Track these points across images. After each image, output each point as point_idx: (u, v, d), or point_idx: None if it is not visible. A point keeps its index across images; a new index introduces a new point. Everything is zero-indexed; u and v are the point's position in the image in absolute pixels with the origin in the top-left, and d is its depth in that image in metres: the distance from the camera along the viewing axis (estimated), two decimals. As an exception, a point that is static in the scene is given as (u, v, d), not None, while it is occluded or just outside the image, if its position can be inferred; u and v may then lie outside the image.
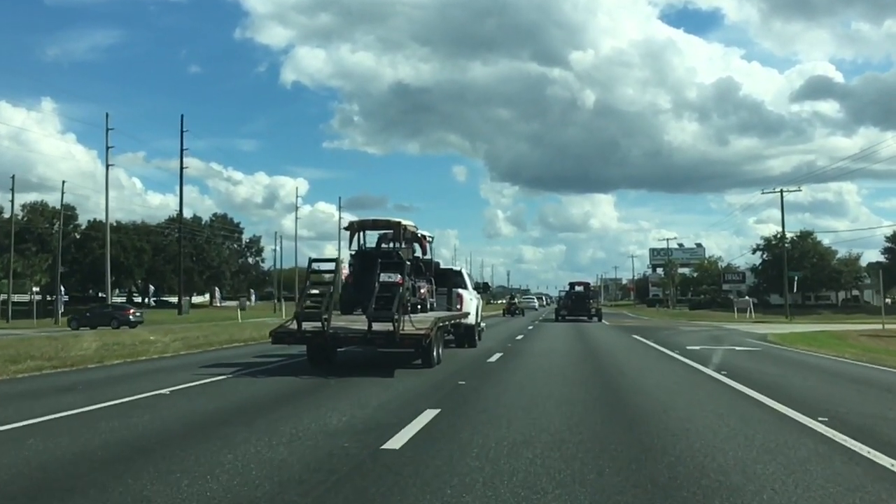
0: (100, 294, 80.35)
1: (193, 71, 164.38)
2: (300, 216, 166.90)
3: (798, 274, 53.24)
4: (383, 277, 13.08)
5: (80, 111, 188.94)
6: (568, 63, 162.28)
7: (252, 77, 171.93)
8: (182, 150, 65.33)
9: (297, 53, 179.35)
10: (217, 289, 72.61)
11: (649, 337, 24.43)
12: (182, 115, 65.36)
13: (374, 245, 15.82)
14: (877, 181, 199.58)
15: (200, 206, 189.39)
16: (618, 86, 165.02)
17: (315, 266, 14.66)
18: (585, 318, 41.41)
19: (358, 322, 12.83)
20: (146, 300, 76.33)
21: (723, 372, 12.56)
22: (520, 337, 24.07)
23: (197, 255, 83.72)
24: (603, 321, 41.78)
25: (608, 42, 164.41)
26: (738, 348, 19.69)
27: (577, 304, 42.84)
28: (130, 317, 39.58)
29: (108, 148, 65.14)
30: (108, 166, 65.42)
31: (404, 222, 15.12)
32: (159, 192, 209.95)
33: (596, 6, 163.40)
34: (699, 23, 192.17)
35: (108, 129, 65.29)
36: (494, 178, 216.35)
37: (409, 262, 14.11)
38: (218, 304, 74.89)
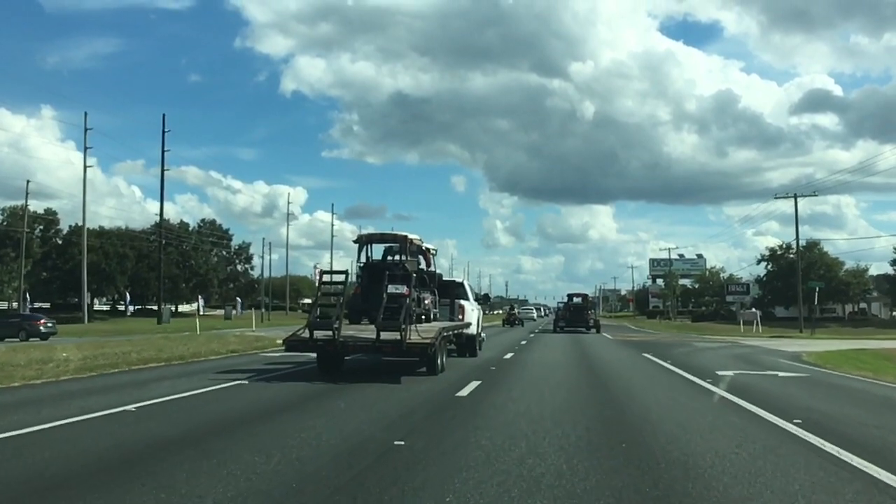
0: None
1: (193, 80, 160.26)
2: (299, 225, 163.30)
3: (820, 284, 48.72)
4: (391, 289, 13.12)
5: (80, 119, 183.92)
6: (567, 74, 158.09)
7: (252, 86, 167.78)
8: (163, 152, 61.30)
9: (297, 63, 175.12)
10: (200, 297, 68.04)
11: (664, 356, 20.11)
12: (164, 115, 61.35)
13: (379, 258, 15.93)
14: (875, 194, 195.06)
15: (199, 214, 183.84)
16: (617, 97, 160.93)
17: (326, 278, 15.35)
18: (584, 329, 40.33)
19: (366, 331, 13.03)
20: (123, 307, 71.95)
21: (795, 421, 8.31)
22: (509, 355, 19.72)
23: (183, 262, 79.42)
24: (605, 334, 37.62)
25: (608, 53, 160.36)
26: (780, 374, 15.40)
27: (576, 315, 41.94)
28: (41, 328, 35.16)
29: (86, 149, 61.51)
30: (85, 168, 61.79)
31: (410, 236, 15.34)
32: (159, 199, 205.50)
33: (596, 17, 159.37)
34: (698, 35, 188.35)
35: (86, 129, 61.72)
36: (493, 188, 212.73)
37: (414, 275, 14.22)
38: (201, 313, 70.32)
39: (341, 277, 14.84)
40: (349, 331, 13.20)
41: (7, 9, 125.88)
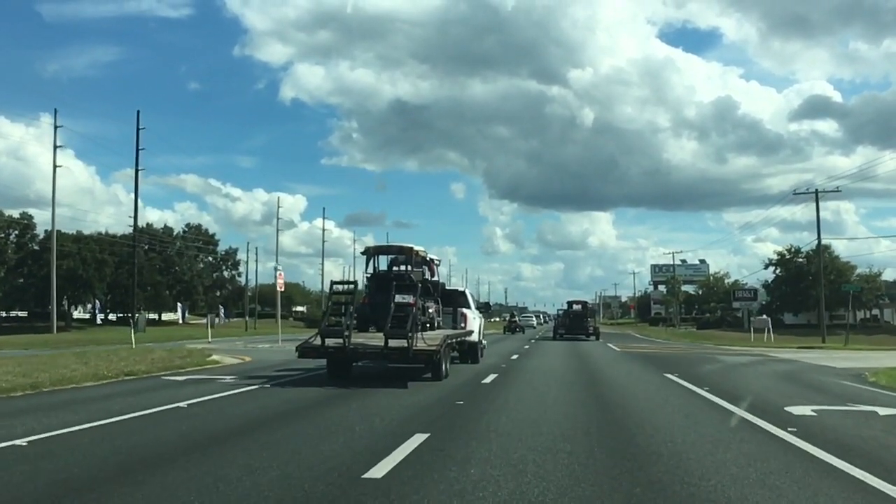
0: (60, 308, 71.29)
1: (193, 87, 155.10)
2: (298, 233, 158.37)
3: (856, 287, 43.65)
4: (398, 298, 13.23)
5: (79, 127, 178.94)
6: (567, 81, 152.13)
7: (251, 94, 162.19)
8: (137, 150, 55.93)
9: (296, 70, 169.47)
10: (179, 304, 63.04)
11: (694, 378, 15.00)
12: (138, 112, 56.11)
13: (383, 268, 16.16)
14: (875, 200, 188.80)
15: (199, 221, 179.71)
16: (617, 104, 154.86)
17: (336, 288, 15.16)
18: (583, 336, 40.40)
19: (374, 339, 13.29)
20: (105, 315, 67.01)
21: None
22: (490, 378, 14.59)
23: (166, 269, 74.34)
24: (611, 346, 32.45)
25: (607, 60, 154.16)
26: (881, 411, 10.27)
27: (576, 322, 41.71)
28: None
29: (55, 147, 56.35)
30: (55, 167, 56.43)
31: (415, 248, 15.61)
32: (157, 207, 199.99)
33: (595, 24, 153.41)
34: (698, 42, 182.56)
35: (56, 127, 56.73)
36: (493, 195, 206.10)
37: (419, 285, 14.29)
38: (181, 322, 65.33)
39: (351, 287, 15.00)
40: (358, 338, 13.31)
41: (6, 17, 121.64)
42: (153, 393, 11.55)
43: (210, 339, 31.82)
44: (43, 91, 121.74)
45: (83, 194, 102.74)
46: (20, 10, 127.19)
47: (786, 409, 10.18)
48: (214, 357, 19.88)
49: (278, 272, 30.82)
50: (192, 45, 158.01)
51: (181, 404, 9.85)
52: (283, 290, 29.57)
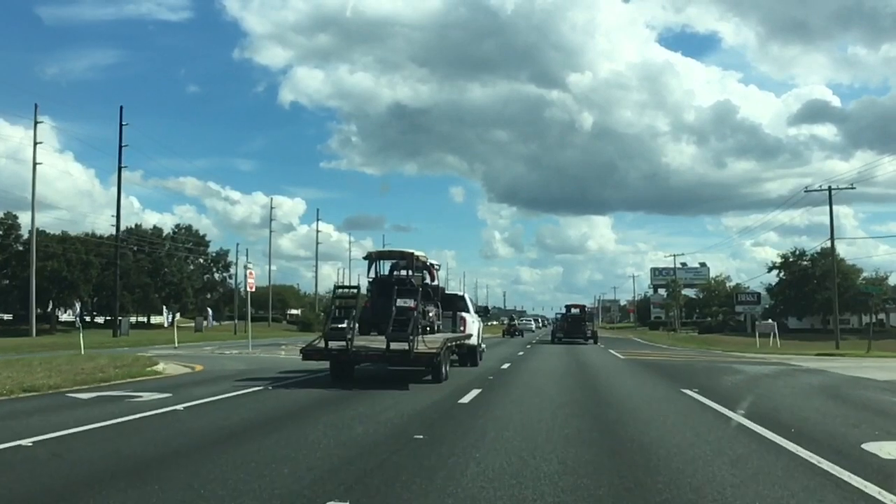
0: (48, 311, 68.50)
1: (192, 91, 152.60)
2: (298, 236, 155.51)
3: (877, 289, 40.89)
4: (399, 302, 13.40)
5: (79, 130, 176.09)
6: (566, 85, 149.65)
7: (250, 97, 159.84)
8: (121, 147, 53.43)
9: (295, 74, 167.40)
10: (165, 307, 60.16)
11: (720, 396, 12.09)
12: (121, 107, 53.55)
13: (386, 273, 16.17)
14: (874, 204, 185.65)
15: (198, 224, 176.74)
16: (616, 108, 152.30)
17: (339, 292, 15.20)
18: (582, 340, 39.80)
19: (376, 342, 13.41)
20: (91, 318, 64.12)
21: None
22: (471, 396, 11.69)
23: (155, 270, 71.39)
24: (615, 353, 29.45)
25: (606, 64, 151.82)
26: None
27: (574, 326, 41.25)
28: None
29: (35, 143, 53.62)
30: (35, 164, 53.64)
31: (416, 253, 15.74)
32: (157, 210, 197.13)
33: (594, 29, 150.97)
34: (697, 46, 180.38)
35: (36, 122, 53.98)
36: (492, 199, 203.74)
37: (420, 289, 14.38)
38: (166, 325, 62.47)
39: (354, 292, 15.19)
40: (360, 341, 13.51)
41: (6, 20, 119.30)
42: (22, 419, 8.73)
43: (177, 345, 28.92)
44: (42, 94, 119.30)
45: (82, 197, 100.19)
46: (20, 12, 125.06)
47: (864, 447, 7.32)
48: (159, 366, 17.01)
49: (248, 272, 28.02)
50: (191, 49, 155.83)
51: (25, 442, 6.98)
52: (253, 290, 26.79)
